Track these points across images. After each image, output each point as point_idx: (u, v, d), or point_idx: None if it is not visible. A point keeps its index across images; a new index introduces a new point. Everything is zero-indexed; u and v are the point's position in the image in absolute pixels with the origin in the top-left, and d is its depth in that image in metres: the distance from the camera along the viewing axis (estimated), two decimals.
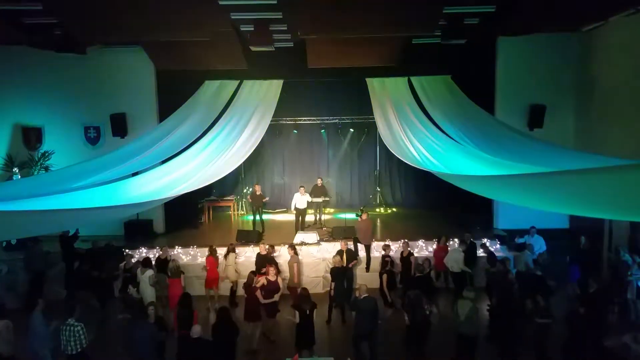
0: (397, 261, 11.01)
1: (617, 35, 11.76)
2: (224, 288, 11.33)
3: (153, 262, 10.79)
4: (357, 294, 8.57)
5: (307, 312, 8.05)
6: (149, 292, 9.86)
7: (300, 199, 14.05)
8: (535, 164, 8.27)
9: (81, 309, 7.75)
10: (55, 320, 7.78)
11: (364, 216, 12.13)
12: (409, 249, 11.03)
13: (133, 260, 11.01)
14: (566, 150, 10.03)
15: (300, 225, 14.07)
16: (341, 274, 10.21)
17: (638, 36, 10.96)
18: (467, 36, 11.33)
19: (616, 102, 11.97)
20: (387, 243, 11.57)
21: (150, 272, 10.05)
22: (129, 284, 9.95)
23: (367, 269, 11.74)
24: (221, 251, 11.30)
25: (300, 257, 11.44)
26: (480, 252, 11.56)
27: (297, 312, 8.13)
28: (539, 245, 11.21)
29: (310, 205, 14.51)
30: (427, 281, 9.79)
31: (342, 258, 10.48)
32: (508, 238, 12.69)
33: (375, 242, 12.50)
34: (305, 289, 8.54)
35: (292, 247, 11.23)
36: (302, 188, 14.22)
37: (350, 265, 10.87)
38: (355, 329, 8.36)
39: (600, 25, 12.01)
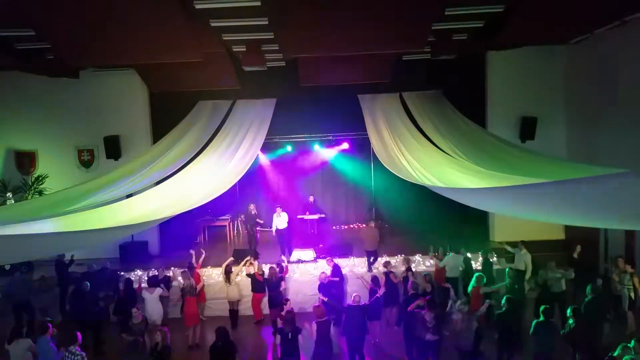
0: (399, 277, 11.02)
1: (604, 47, 11.94)
2: (223, 309, 11.29)
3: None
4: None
5: (290, 335, 7.86)
6: (157, 312, 9.76)
7: (280, 220, 13.73)
8: (527, 175, 8.32)
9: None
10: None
11: (372, 223, 12.39)
12: (407, 264, 11.03)
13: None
14: (558, 161, 10.10)
15: (288, 246, 13.73)
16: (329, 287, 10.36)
17: (624, 48, 11.14)
18: (457, 51, 11.49)
19: (605, 112, 12.11)
20: (388, 260, 11.51)
21: (159, 291, 9.98)
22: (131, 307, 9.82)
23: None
24: (217, 271, 11.24)
25: (287, 275, 11.49)
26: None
27: (278, 336, 8.00)
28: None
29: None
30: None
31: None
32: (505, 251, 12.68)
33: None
34: (290, 312, 8.44)
35: (279, 265, 11.27)
36: (278, 208, 13.97)
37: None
38: (344, 333, 8.52)
39: (587, 37, 12.21)
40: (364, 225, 12.41)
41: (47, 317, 9.07)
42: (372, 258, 12.20)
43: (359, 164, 17.51)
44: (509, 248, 11.79)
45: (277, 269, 10.92)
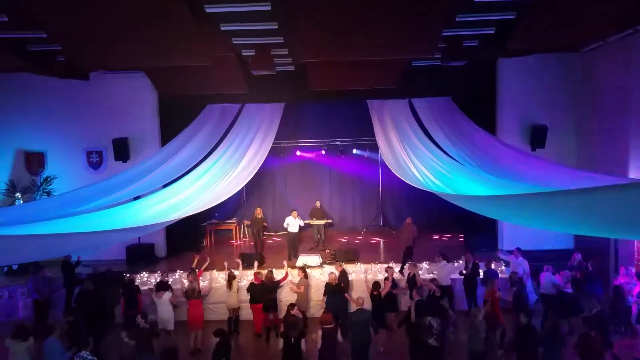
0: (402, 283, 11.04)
1: (617, 55, 11.82)
2: (222, 312, 11.23)
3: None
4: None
5: (293, 340, 7.80)
6: (169, 315, 9.73)
7: (293, 223, 13.78)
8: (537, 184, 8.24)
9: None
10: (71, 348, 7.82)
11: (408, 220, 12.72)
12: (414, 271, 10.98)
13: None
14: (568, 170, 9.99)
15: (295, 250, 13.78)
16: (336, 290, 10.38)
17: (636, 56, 11.02)
18: (467, 58, 11.41)
19: (617, 122, 11.97)
20: (390, 265, 11.50)
21: (168, 294, 9.97)
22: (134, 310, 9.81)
23: (401, 271, 11.88)
24: (222, 274, 11.19)
25: (309, 280, 11.37)
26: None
27: (281, 340, 7.95)
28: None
29: (312, 227, 14.39)
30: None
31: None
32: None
33: (379, 265, 12.46)
34: (293, 316, 8.35)
35: (303, 269, 11.20)
36: (294, 212, 13.99)
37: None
38: (350, 343, 8.42)
39: (600, 45, 12.09)
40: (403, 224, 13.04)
41: (70, 317, 9.09)
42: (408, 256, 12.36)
43: (366, 169, 17.49)
44: (502, 256, 11.71)
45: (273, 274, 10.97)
